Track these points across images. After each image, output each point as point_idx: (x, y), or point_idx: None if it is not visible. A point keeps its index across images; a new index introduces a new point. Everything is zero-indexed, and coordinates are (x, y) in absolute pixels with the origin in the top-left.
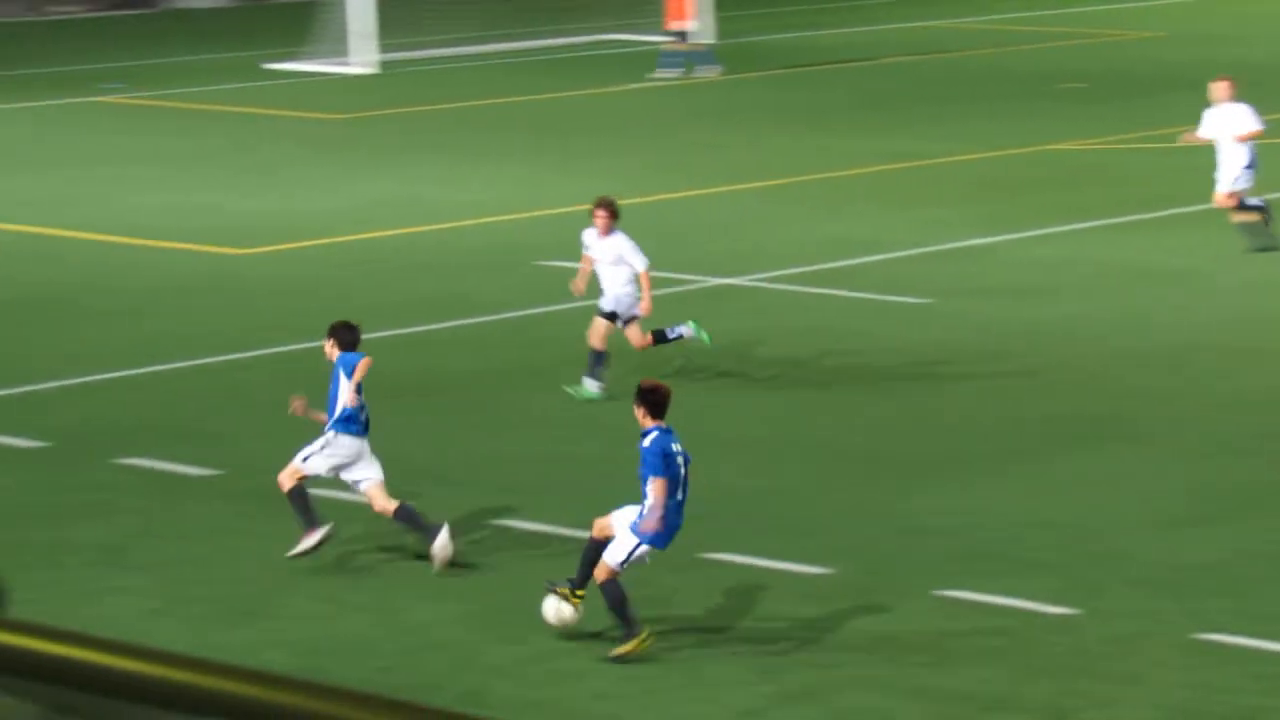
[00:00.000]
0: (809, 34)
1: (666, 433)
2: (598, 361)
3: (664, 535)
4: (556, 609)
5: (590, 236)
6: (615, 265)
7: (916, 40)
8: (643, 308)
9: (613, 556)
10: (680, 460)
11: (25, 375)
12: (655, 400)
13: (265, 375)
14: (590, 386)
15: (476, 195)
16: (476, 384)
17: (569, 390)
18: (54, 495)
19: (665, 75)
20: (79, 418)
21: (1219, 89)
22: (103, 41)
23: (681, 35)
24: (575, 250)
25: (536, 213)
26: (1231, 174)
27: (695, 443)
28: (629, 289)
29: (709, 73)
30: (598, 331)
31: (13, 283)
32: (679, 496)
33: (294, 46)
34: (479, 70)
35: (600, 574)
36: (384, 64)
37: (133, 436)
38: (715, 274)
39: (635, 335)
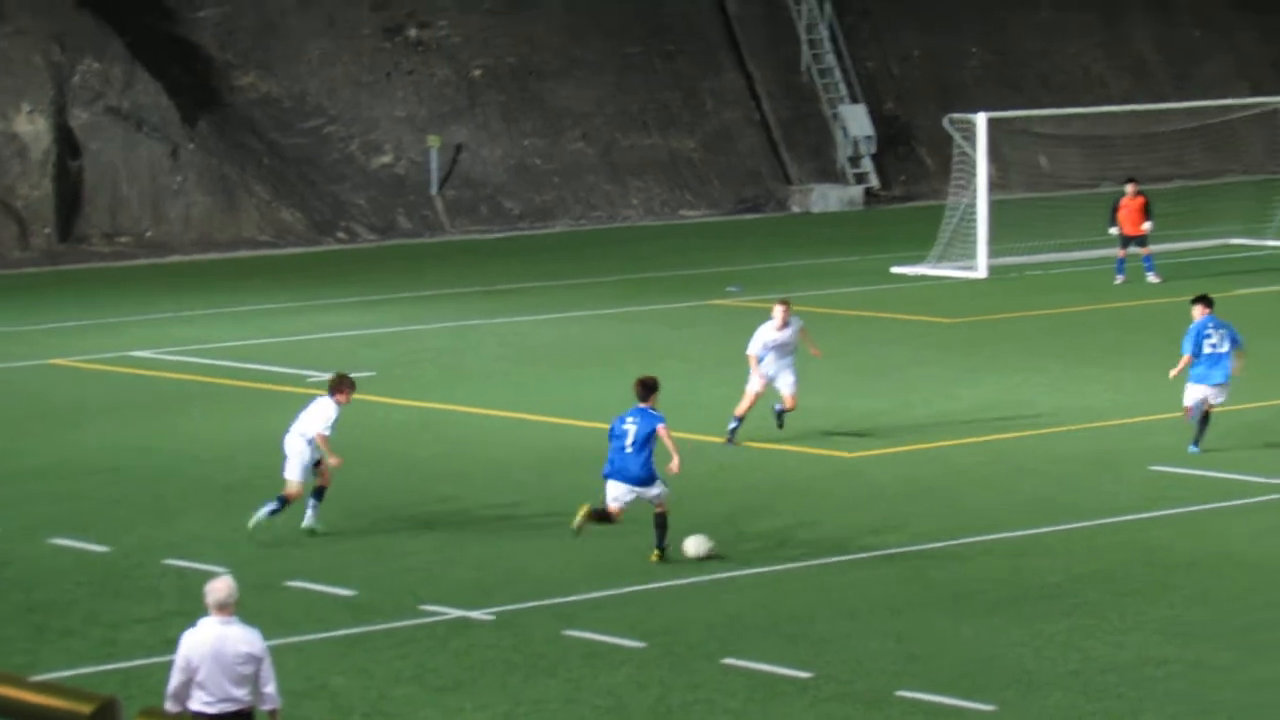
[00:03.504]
0: None
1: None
2: None
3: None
4: (695, 545)
5: None
6: None
7: None
8: None
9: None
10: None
11: (621, 576)
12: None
13: (865, 579)
14: None
15: (1087, 400)
16: (1075, 589)
17: None
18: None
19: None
20: (683, 617)
21: None
22: (728, 243)
23: (1141, 240)
24: (1194, 455)
25: (1150, 417)
26: None
27: None
28: None
29: (1154, 279)
30: None
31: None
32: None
33: (917, 250)
34: (1085, 275)
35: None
36: (993, 268)
37: (739, 637)
38: None
39: None
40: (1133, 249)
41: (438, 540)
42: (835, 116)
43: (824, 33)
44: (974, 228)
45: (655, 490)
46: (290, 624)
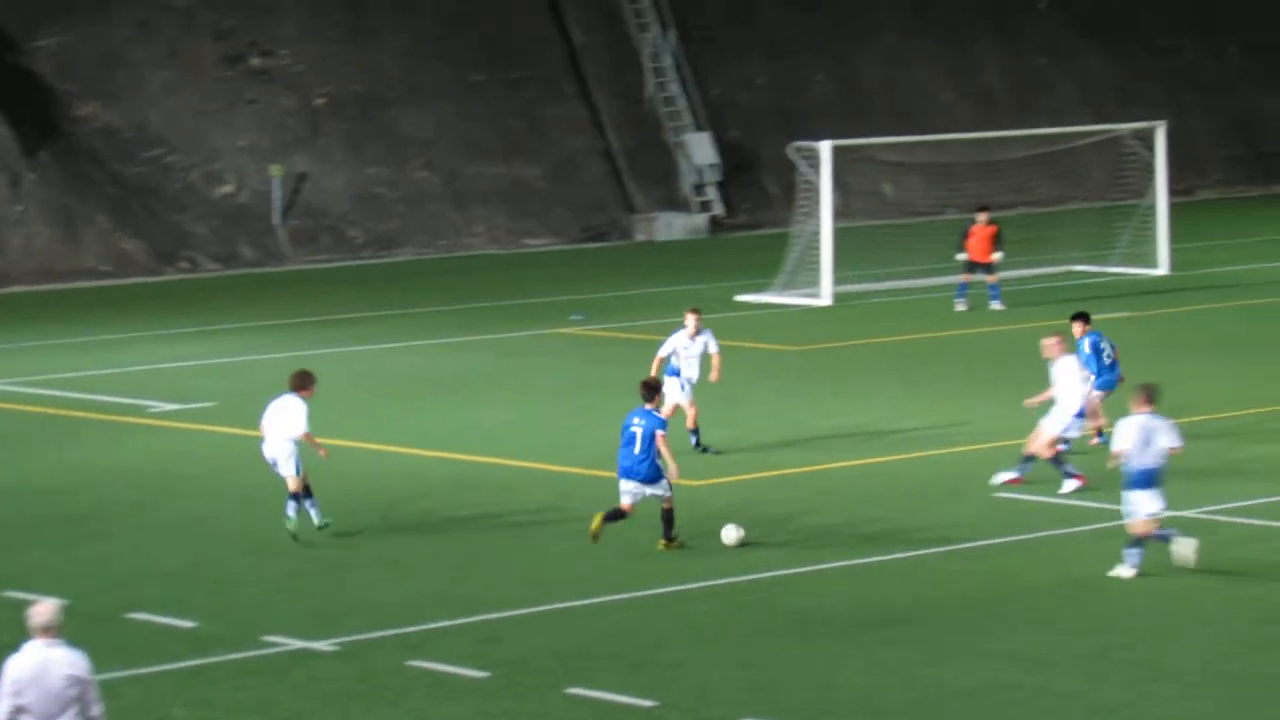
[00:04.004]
0: (1267, 265)
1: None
2: None
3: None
4: (730, 534)
5: None
6: None
7: None
8: None
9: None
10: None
11: (480, 605)
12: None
13: (717, 607)
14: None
15: (931, 427)
16: (921, 615)
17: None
18: None
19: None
20: (529, 647)
21: None
22: (573, 272)
23: (988, 268)
24: (1039, 482)
25: (995, 444)
26: None
27: None
28: None
29: (999, 306)
30: None
31: (473, 513)
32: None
33: (762, 278)
34: (930, 302)
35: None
36: (838, 296)
37: (585, 666)
38: (1171, 508)
39: None
40: (978, 275)
41: (280, 570)
42: (680, 144)
43: (668, 60)
44: (819, 255)
45: (661, 489)
46: (131, 656)
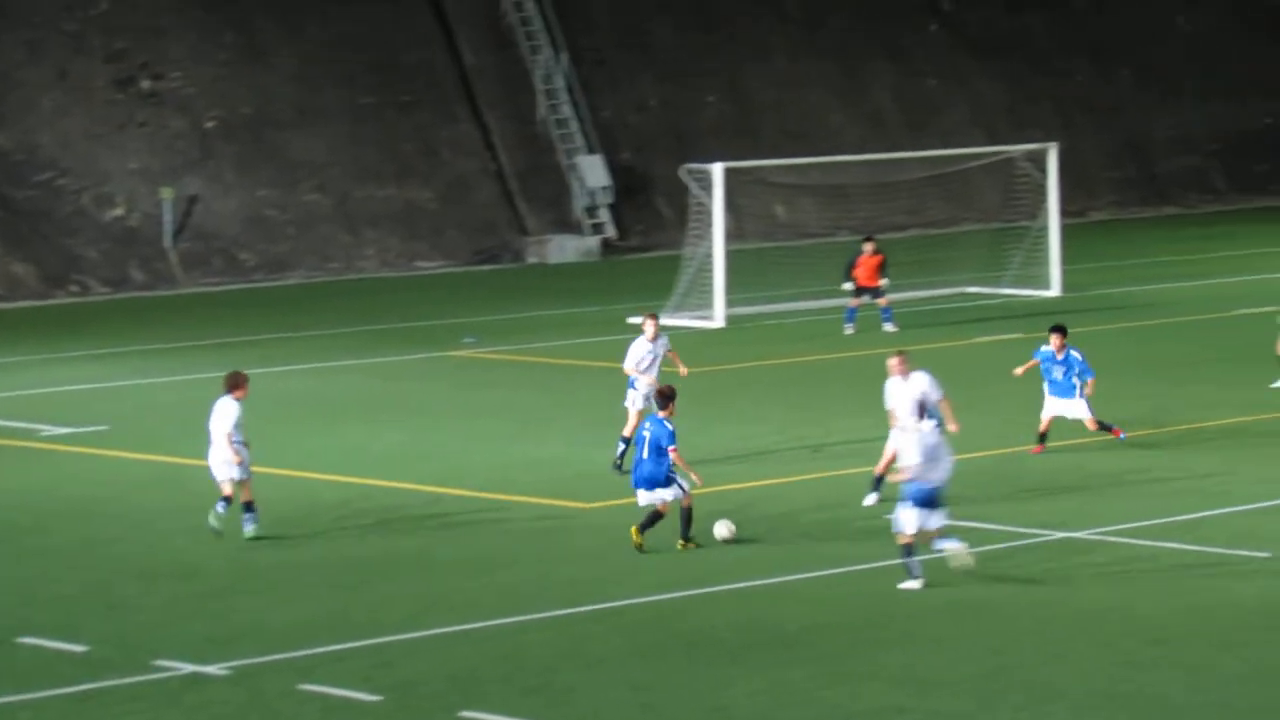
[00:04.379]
0: (1158, 287)
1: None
2: None
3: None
4: (722, 529)
5: None
6: None
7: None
8: None
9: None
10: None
11: (373, 628)
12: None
13: (608, 629)
14: None
15: (823, 448)
16: (814, 637)
17: None
18: None
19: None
20: (421, 670)
21: None
22: (465, 295)
23: (875, 292)
24: None
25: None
26: None
27: None
28: None
29: (891, 328)
30: None
31: (363, 536)
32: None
33: (655, 300)
34: (822, 324)
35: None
36: (730, 318)
37: (478, 689)
38: (1061, 528)
39: None
40: (866, 299)
41: (172, 594)
42: (572, 167)
43: (560, 83)
44: (711, 277)
45: (670, 492)
46: (22, 681)
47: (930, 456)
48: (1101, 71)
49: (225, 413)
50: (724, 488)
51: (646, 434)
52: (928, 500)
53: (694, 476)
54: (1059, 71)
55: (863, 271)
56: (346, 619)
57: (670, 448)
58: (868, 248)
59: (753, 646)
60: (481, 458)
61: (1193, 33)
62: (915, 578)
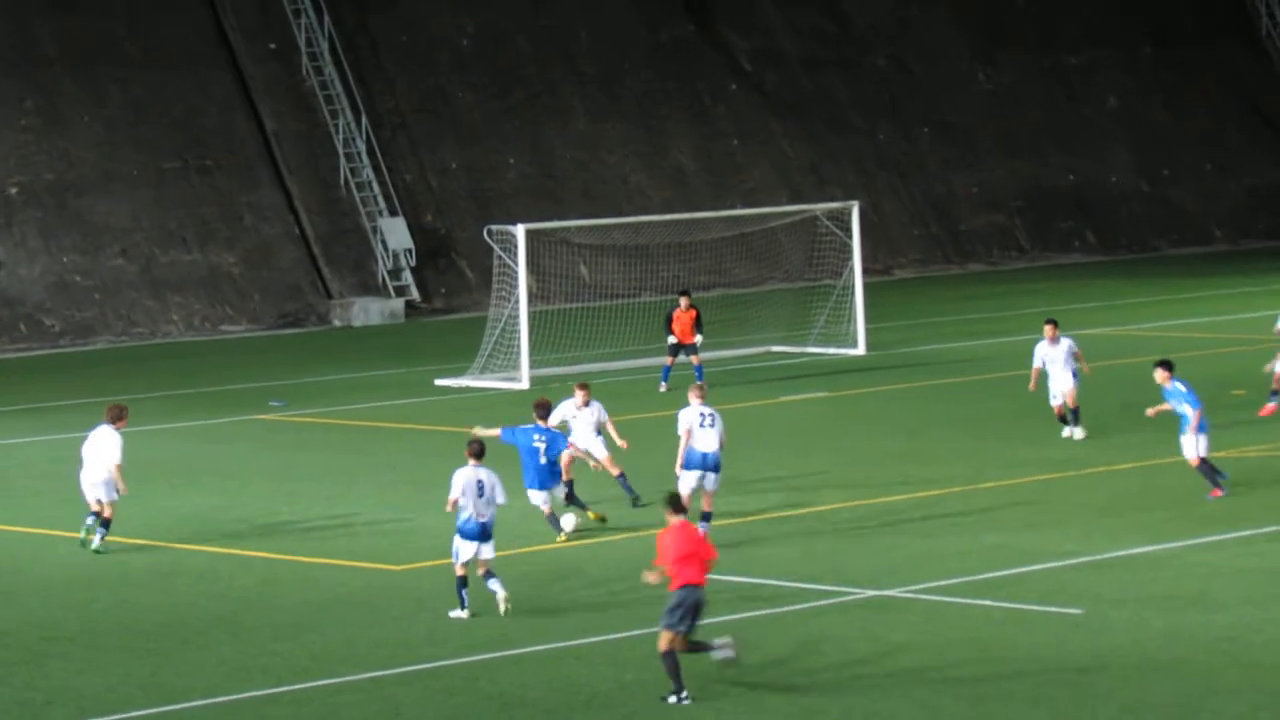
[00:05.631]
0: (963, 344)
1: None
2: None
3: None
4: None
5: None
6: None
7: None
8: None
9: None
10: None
11: (185, 692)
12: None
13: (419, 692)
14: None
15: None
16: (624, 697)
17: None
18: None
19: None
20: None
21: None
22: (271, 358)
23: (691, 349)
24: (737, 563)
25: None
26: None
27: None
28: None
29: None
30: None
31: (174, 600)
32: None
33: (461, 362)
34: (629, 384)
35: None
36: (535, 379)
37: None
38: (872, 585)
39: None
40: (683, 357)
41: None
42: (375, 230)
43: (360, 146)
44: (516, 338)
45: (562, 490)
46: None
47: (479, 491)
48: (902, 129)
49: (112, 442)
50: (533, 549)
51: (540, 444)
52: (479, 534)
53: (594, 460)
54: (860, 130)
55: (679, 326)
56: (157, 683)
57: (564, 450)
58: (683, 302)
59: (564, 708)
60: (290, 520)
61: (992, 91)
62: (464, 609)
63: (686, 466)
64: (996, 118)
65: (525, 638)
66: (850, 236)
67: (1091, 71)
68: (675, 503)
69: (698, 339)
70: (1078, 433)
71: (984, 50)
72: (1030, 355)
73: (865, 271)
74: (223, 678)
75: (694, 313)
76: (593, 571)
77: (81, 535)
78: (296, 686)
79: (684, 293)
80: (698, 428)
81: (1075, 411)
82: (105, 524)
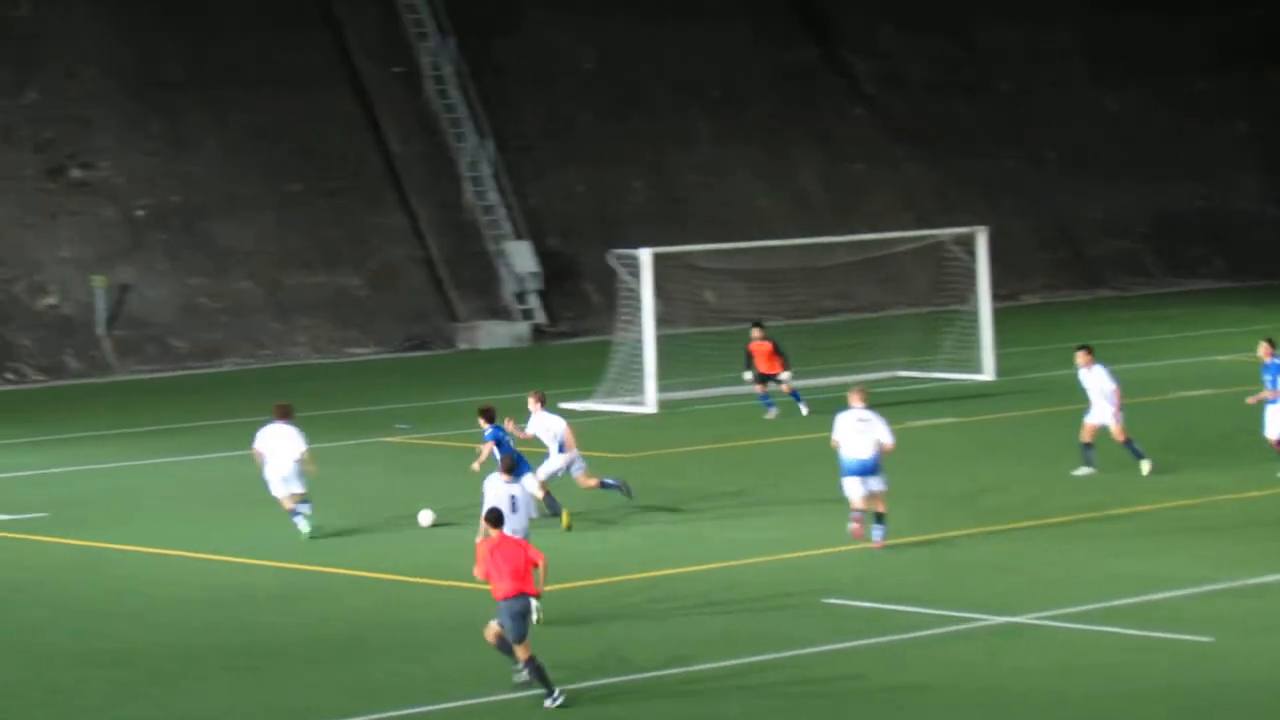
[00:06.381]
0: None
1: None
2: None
3: None
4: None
5: None
6: None
7: (1202, 376)
8: None
9: None
10: None
11: (310, 712)
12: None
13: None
14: None
15: (758, 534)
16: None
17: None
18: None
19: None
20: None
21: None
22: (396, 381)
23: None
24: (867, 588)
25: (822, 550)
26: None
27: None
28: None
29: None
30: None
31: (297, 621)
32: None
33: (586, 386)
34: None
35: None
36: (662, 403)
37: None
38: (1001, 611)
39: None
40: (771, 385)
41: (109, 681)
42: (500, 253)
43: (486, 170)
44: (642, 362)
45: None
46: None
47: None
48: (1029, 154)
49: (293, 433)
50: (663, 573)
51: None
52: None
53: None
54: (986, 154)
55: (759, 360)
56: (283, 706)
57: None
58: (755, 334)
59: None
60: (415, 543)
61: (1120, 114)
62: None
63: (845, 474)
64: (1123, 142)
65: (652, 662)
66: (976, 261)
67: (1220, 95)
68: (492, 517)
69: (785, 375)
70: (1145, 466)
71: (1110, 74)
72: (1157, 382)
73: (991, 297)
74: (348, 700)
75: (769, 345)
76: (715, 597)
77: (306, 531)
78: (423, 709)
79: (757, 324)
80: (853, 435)
81: (1129, 443)
82: (304, 502)
